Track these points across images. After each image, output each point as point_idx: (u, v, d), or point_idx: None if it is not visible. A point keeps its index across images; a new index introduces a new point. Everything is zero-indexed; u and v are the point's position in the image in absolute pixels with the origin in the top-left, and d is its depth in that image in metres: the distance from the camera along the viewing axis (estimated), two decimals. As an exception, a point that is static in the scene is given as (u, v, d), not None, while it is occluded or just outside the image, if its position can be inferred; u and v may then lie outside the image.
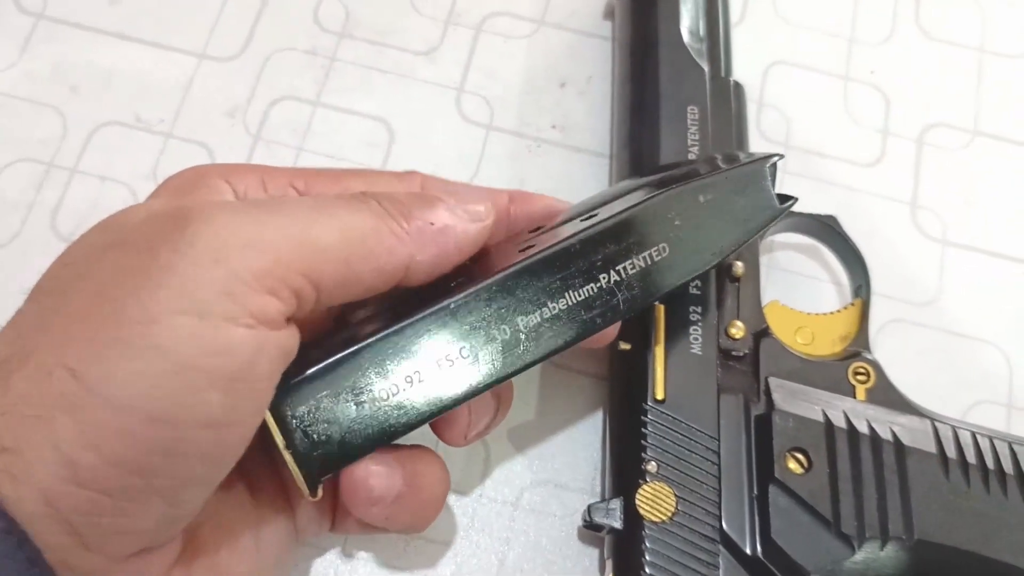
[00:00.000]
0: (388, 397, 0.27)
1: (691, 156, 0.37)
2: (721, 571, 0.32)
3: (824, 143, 0.43)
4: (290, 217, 0.25)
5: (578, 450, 0.37)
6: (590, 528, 0.34)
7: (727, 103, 0.39)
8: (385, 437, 0.27)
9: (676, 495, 0.33)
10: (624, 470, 0.34)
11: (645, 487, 0.32)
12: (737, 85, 0.40)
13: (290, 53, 0.43)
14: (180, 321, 0.23)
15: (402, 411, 0.27)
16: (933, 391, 0.37)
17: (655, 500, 0.32)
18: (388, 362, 0.27)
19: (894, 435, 0.33)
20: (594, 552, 0.36)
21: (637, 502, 0.32)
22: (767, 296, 0.38)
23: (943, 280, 0.41)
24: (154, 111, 0.42)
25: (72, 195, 0.40)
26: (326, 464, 0.27)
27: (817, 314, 0.37)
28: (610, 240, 0.28)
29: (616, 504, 0.33)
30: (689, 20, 0.40)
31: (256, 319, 0.24)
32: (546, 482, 0.37)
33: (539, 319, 0.28)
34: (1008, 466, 0.33)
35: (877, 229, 0.42)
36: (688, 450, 0.33)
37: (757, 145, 0.42)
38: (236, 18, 0.44)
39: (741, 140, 0.39)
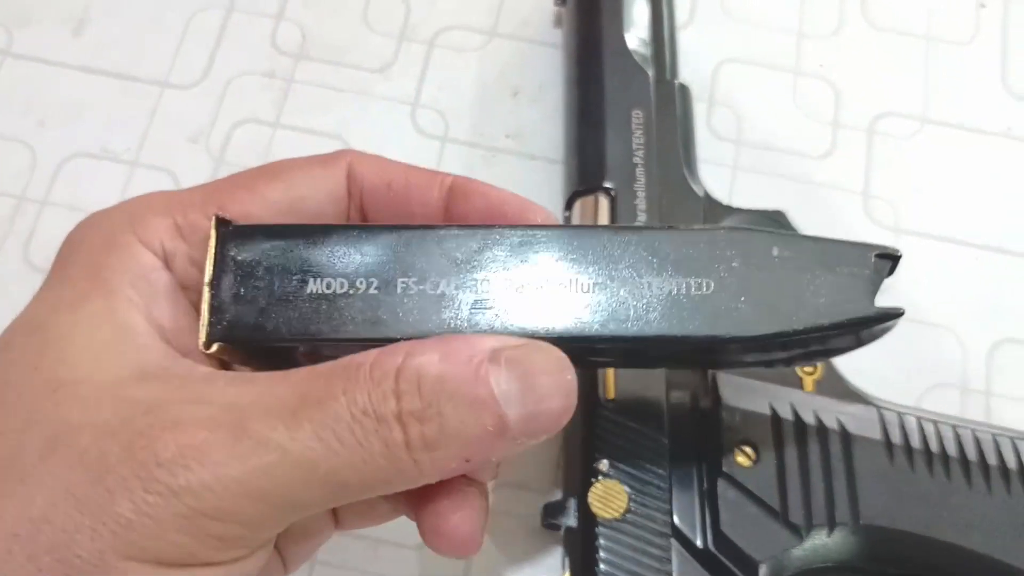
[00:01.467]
0: (353, 292, 0.24)
1: (636, 160, 0.38)
2: (674, 565, 0.33)
3: (776, 138, 0.44)
4: (264, 455, 0.21)
5: (539, 450, 0.38)
6: (548, 527, 0.35)
7: (672, 107, 0.40)
8: (325, 335, 0.24)
9: (628, 492, 0.33)
10: (577, 469, 0.35)
11: (597, 485, 0.33)
12: (683, 87, 0.41)
13: (250, 77, 0.45)
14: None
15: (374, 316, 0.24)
16: (888, 378, 0.38)
17: (607, 498, 0.33)
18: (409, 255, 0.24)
19: (840, 424, 0.34)
20: (558, 550, 0.37)
21: (590, 500, 0.33)
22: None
23: (896, 268, 0.42)
24: (120, 141, 0.43)
25: (43, 226, 0.41)
26: (235, 325, 0.24)
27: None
28: (645, 250, 0.24)
29: (570, 503, 0.34)
30: (633, 25, 0.41)
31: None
32: (508, 483, 0.38)
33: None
34: (952, 449, 0.34)
35: (830, 220, 0.42)
36: (638, 448, 0.34)
37: (708, 145, 0.43)
38: (196, 45, 0.45)
39: (687, 142, 0.40)
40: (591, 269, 0.24)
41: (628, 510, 0.33)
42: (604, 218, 0.38)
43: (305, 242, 0.24)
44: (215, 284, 0.24)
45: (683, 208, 0.38)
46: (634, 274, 0.24)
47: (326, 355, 0.23)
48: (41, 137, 0.43)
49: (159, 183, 0.42)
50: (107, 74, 0.44)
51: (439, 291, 0.24)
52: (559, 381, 0.23)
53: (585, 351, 0.25)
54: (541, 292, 0.24)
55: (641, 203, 0.38)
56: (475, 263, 0.24)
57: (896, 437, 0.34)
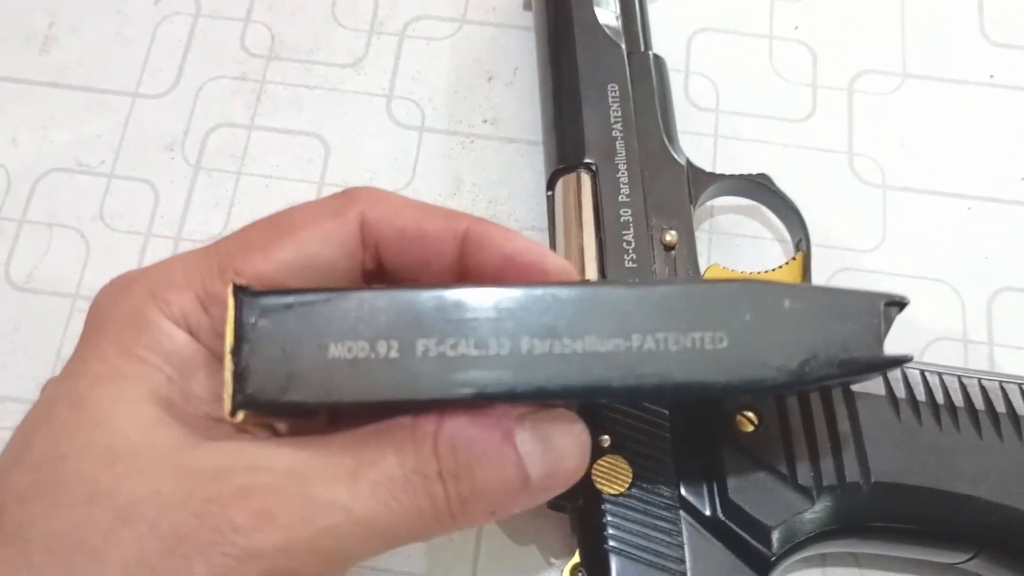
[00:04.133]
0: (381, 355, 0.24)
1: (615, 134, 0.38)
2: (684, 536, 0.32)
3: (754, 104, 0.44)
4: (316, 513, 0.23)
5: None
6: (554, 508, 0.34)
7: (648, 77, 0.39)
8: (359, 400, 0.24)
9: (631, 466, 0.33)
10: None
11: (600, 461, 0.33)
12: (657, 58, 0.40)
13: (221, 81, 0.44)
14: None
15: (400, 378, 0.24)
16: (888, 335, 0.38)
17: (611, 473, 0.33)
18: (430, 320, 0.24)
19: (842, 382, 0.34)
20: (566, 531, 0.36)
21: (593, 476, 0.32)
22: (709, 261, 0.39)
23: (887, 225, 0.41)
24: (94, 154, 0.43)
25: (22, 245, 0.41)
26: (259, 393, 0.24)
27: (757, 272, 0.38)
28: (658, 305, 0.24)
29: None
30: (603, 0, 0.40)
31: None
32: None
33: (551, 348, 0.24)
34: (958, 399, 0.33)
35: (816, 182, 0.42)
36: (639, 421, 0.33)
37: (687, 116, 0.43)
38: (165, 53, 0.44)
39: (666, 112, 0.39)
40: (607, 325, 0.24)
41: (633, 484, 0.33)
42: (587, 196, 0.37)
43: (324, 306, 0.24)
44: (236, 352, 0.24)
45: (666, 178, 0.37)
46: (650, 329, 0.24)
47: (348, 411, 0.25)
48: (14, 155, 0.43)
49: (137, 194, 0.42)
50: (76, 88, 0.44)
51: (458, 352, 0.24)
52: (575, 443, 0.26)
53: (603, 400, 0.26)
54: (558, 349, 0.24)
55: (623, 176, 0.37)
56: (493, 323, 0.24)
57: (901, 392, 0.34)
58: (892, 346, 0.35)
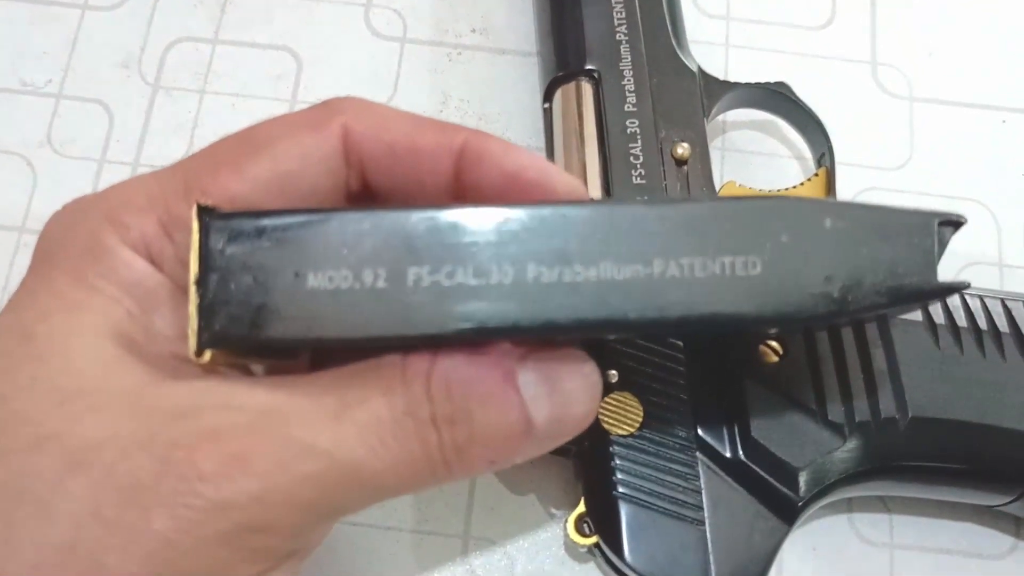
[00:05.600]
0: (365, 285, 0.22)
1: (619, 37, 0.34)
2: (702, 480, 0.29)
3: (768, 10, 0.40)
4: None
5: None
6: (556, 452, 0.31)
7: (654, -25, 0.35)
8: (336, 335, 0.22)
9: (642, 404, 0.30)
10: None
11: (608, 399, 0.30)
12: (664, -45, 0.36)
13: (180, -10, 0.40)
14: None
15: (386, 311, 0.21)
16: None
17: (620, 412, 0.30)
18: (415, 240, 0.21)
19: (875, 307, 0.30)
20: (569, 477, 0.33)
21: (600, 416, 0.29)
22: (723, 179, 0.35)
23: (915, 140, 0.38)
24: (40, 72, 0.39)
25: (-37, 173, 0.37)
26: (228, 329, 0.22)
27: (779, 190, 0.34)
28: (683, 226, 0.22)
29: (580, 422, 0.30)
30: None
31: None
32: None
33: (559, 276, 0.22)
34: (1003, 324, 0.30)
35: (837, 93, 0.39)
36: (650, 353, 0.30)
37: (696, 23, 0.39)
38: (117, -40, 0.40)
39: (674, 13, 0.36)
40: (624, 249, 0.21)
41: (644, 424, 0.30)
42: (589, 106, 0.34)
43: (301, 230, 0.22)
44: (202, 282, 0.21)
45: (676, 86, 0.34)
46: (673, 253, 0.22)
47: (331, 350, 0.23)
48: (-51, 75, 0.39)
49: (89, 116, 0.38)
50: None
51: (455, 281, 0.21)
52: (584, 385, 0.23)
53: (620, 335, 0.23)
54: (569, 277, 0.21)
55: (629, 84, 0.34)
56: (494, 247, 0.21)
57: (939, 316, 0.30)
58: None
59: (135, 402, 0.21)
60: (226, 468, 0.20)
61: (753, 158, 0.38)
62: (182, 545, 0.19)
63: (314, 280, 0.21)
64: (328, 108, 0.25)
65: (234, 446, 0.20)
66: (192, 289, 0.21)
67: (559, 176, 0.24)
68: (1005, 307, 0.31)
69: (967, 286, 0.23)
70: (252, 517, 0.20)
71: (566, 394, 0.23)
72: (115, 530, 0.19)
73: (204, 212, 0.22)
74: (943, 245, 0.23)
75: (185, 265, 0.22)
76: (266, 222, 0.22)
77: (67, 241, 0.23)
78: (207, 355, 0.22)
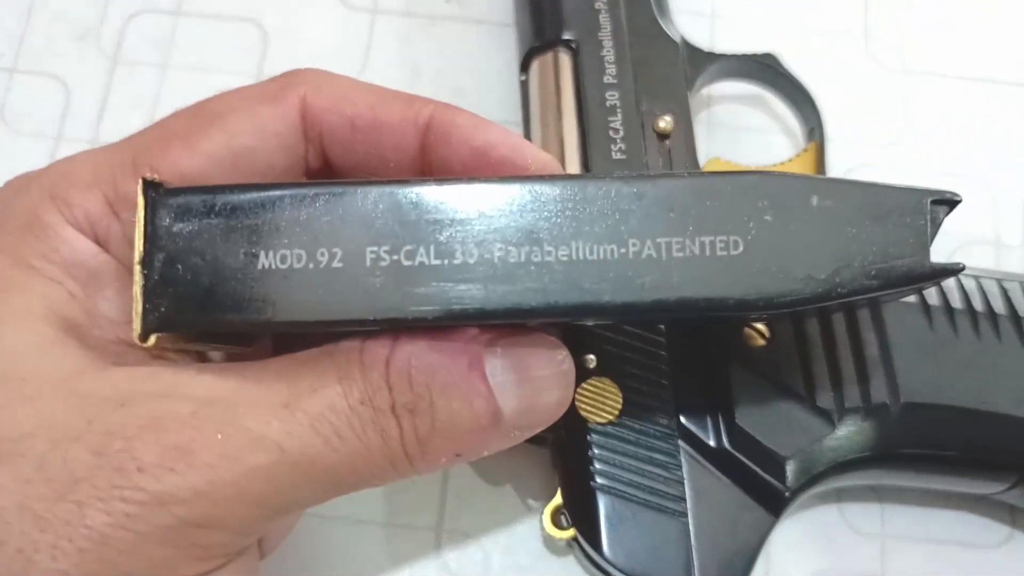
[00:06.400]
0: (320, 265, 0.20)
1: (598, 6, 0.33)
2: (684, 470, 0.28)
3: (757, -22, 0.38)
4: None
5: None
6: (532, 441, 0.29)
7: (637, -61, 0.34)
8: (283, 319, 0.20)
9: (622, 390, 0.28)
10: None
11: (585, 385, 0.28)
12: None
13: (140, -41, 0.38)
14: None
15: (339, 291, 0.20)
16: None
17: (598, 398, 0.28)
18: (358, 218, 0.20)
19: (866, 288, 0.29)
20: (546, 468, 0.31)
21: (577, 403, 0.28)
22: (708, 154, 0.34)
23: (908, 114, 0.37)
24: (-8, 45, 0.37)
25: (-89, 153, 0.35)
26: (175, 312, 0.21)
27: (766, 166, 0.33)
28: (660, 203, 0.21)
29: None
30: None
31: None
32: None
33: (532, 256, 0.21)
34: (999, 306, 0.29)
35: (828, 66, 0.37)
36: (631, 336, 0.29)
37: (681, -10, 0.37)
38: (74, -73, 0.39)
39: (659, -16, 0.34)
40: (598, 228, 0.20)
41: (623, 411, 0.28)
42: (567, 78, 0.32)
43: (252, 207, 0.21)
44: (147, 262, 0.20)
45: (658, 57, 0.33)
46: (649, 232, 0.20)
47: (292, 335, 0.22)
48: None
49: (45, 91, 0.37)
50: (-31, -31, 0.38)
51: (416, 261, 0.20)
52: (556, 373, 0.22)
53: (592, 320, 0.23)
54: (539, 257, 0.20)
55: (609, 55, 0.32)
56: (458, 226, 0.20)
57: (933, 297, 0.29)
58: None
59: (71, 389, 0.20)
60: (167, 460, 0.19)
61: (740, 133, 0.36)
62: (119, 542, 0.18)
63: (266, 260, 0.20)
64: (286, 80, 0.23)
65: (176, 437, 0.19)
66: (137, 269, 0.20)
67: (532, 153, 0.23)
68: (1001, 288, 0.29)
69: (962, 269, 0.22)
70: (195, 512, 0.19)
71: (536, 383, 0.22)
72: (46, 526, 0.18)
73: (150, 188, 0.21)
74: (936, 225, 0.21)
75: (132, 244, 0.21)
76: (216, 199, 0.21)
77: (5, 219, 0.22)
78: (152, 340, 0.20)
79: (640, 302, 0.20)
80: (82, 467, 0.19)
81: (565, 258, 0.20)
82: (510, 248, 0.20)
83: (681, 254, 0.20)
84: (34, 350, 0.20)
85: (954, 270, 0.21)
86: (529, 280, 0.20)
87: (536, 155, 0.23)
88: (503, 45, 0.37)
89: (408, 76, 0.37)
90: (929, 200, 0.21)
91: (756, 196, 0.21)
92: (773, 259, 0.20)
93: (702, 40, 0.36)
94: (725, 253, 0.20)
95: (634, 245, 0.20)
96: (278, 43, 0.37)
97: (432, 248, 0.20)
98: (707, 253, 0.20)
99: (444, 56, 0.37)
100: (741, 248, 0.20)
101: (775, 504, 0.28)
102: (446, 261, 0.20)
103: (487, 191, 0.21)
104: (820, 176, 0.24)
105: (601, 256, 0.20)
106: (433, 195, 0.20)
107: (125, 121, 0.36)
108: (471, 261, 0.20)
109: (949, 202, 0.22)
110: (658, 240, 0.20)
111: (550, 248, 0.20)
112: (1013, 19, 0.38)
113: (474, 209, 0.20)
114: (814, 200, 0.21)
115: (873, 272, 0.21)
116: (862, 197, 0.21)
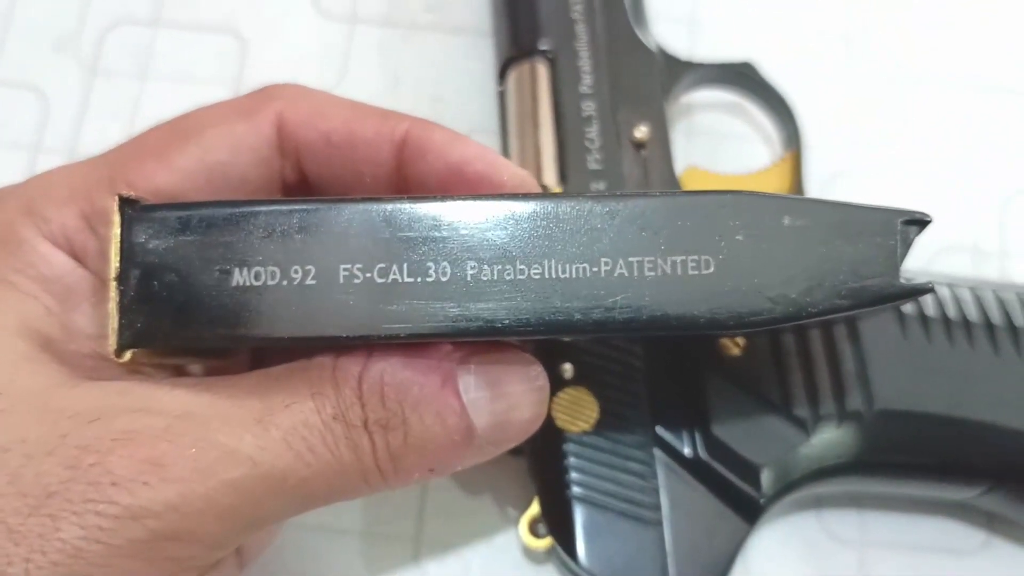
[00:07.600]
0: (293, 282, 0.21)
1: (574, 16, 0.33)
2: (660, 479, 0.28)
3: (735, -15, 0.38)
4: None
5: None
6: (510, 452, 0.29)
7: (613, -51, 0.34)
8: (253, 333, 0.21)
9: (598, 400, 0.28)
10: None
11: (561, 394, 0.28)
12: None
13: (119, -31, 0.38)
14: None
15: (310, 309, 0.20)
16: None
17: (574, 408, 0.28)
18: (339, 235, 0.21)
19: (841, 297, 0.29)
20: (523, 478, 0.31)
21: (553, 412, 0.28)
22: (686, 163, 0.34)
23: (888, 121, 0.37)
24: (-31, 55, 0.37)
25: None
26: (152, 328, 0.21)
27: (743, 175, 0.33)
28: (631, 222, 0.21)
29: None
30: None
31: None
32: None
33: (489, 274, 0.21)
34: (972, 314, 0.29)
35: (808, 73, 0.37)
36: (607, 347, 0.29)
37: (657, 4, 0.37)
38: (52, -63, 0.38)
39: (635, -6, 0.34)
40: (571, 247, 0.21)
41: (599, 420, 0.28)
42: (543, 88, 0.32)
43: (226, 224, 0.21)
44: (122, 278, 0.21)
45: (634, 65, 0.33)
46: (621, 251, 0.21)
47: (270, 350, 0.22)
48: None
49: (22, 102, 0.37)
50: (-54, -21, 0.38)
51: (389, 279, 0.20)
52: (530, 389, 0.22)
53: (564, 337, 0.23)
54: (511, 275, 0.21)
55: (585, 64, 0.32)
56: (431, 244, 0.21)
57: (907, 306, 0.29)
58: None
59: (45, 404, 0.20)
60: (140, 474, 0.19)
61: (719, 141, 0.36)
62: (92, 555, 0.18)
63: (240, 277, 0.21)
64: (263, 95, 0.24)
65: (149, 451, 0.19)
66: (112, 285, 0.20)
67: (508, 169, 0.23)
68: (974, 295, 0.30)
69: (931, 289, 0.22)
70: (168, 525, 0.19)
71: (510, 398, 0.22)
72: (19, 539, 0.18)
73: (126, 204, 0.21)
74: (907, 245, 0.21)
75: (108, 260, 0.21)
76: (191, 215, 0.21)
77: None
78: (127, 355, 0.21)
79: (612, 320, 0.20)
80: (56, 481, 0.19)
81: (538, 276, 0.20)
82: (483, 266, 0.20)
83: (653, 273, 0.21)
84: (8, 365, 0.20)
85: (924, 290, 0.21)
86: (501, 298, 0.20)
87: (512, 172, 0.23)
88: (482, 54, 0.37)
89: (387, 85, 0.37)
90: (900, 220, 0.21)
91: (728, 215, 0.21)
92: (744, 278, 0.21)
93: (681, 47, 0.37)
94: (697, 272, 0.21)
95: (606, 264, 0.20)
96: (257, 53, 0.37)
97: (405, 266, 0.20)
98: (679, 272, 0.21)
99: (423, 65, 0.37)
100: (712, 267, 0.21)
101: (750, 512, 0.28)
102: (419, 279, 0.20)
103: (460, 209, 0.21)
104: (792, 195, 0.24)
105: (573, 274, 0.20)
106: (406, 213, 0.20)
107: (104, 132, 0.36)
108: (444, 279, 0.20)
109: (920, 222, 0.22)
110: (630, 259, 0.20)
111: (523, 266, 0.20)
112: (993, 26, 0.38)
113: (447, 227, 0.21)
114: (786, 220, 0.21)
115: (844, 291, 0.21)
116: (833, 216, 0.21)
